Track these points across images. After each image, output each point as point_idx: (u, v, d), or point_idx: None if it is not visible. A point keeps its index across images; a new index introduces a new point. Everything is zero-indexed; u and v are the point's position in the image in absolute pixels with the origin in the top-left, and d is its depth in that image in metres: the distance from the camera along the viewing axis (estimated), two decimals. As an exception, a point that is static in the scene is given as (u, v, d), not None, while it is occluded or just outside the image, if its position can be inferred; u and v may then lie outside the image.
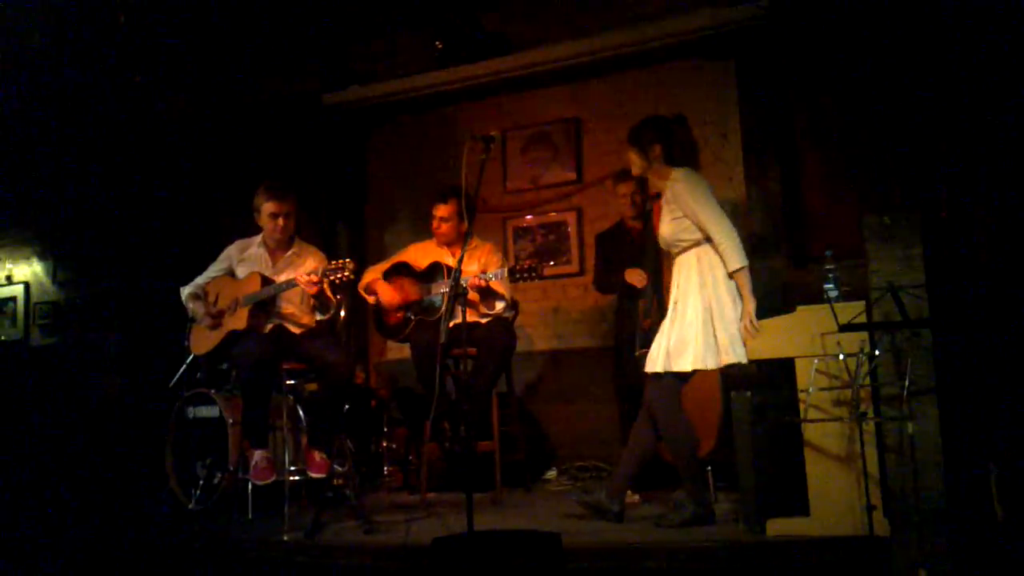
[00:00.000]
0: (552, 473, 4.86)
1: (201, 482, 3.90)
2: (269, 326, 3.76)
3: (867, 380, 2.60)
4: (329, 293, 3.70)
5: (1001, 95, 3.72)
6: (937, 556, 2.43)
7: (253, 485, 3.70)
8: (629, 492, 3.45)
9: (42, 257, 6.44)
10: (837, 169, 4.33)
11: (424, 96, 5.52)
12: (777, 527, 2.83)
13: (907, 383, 2.47)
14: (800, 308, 2.92)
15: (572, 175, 5.33)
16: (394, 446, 4.99)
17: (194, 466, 4.02)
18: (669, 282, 3.85)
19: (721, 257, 3.04)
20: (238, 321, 3.70)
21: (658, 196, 3.90)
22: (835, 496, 2.76)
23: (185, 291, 3.92)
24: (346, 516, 3.55)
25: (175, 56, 5.53)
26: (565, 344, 5.28)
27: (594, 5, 5.09)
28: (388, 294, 4.13)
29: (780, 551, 2.72)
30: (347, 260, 3.39)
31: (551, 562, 2.33)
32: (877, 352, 2.56)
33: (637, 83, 5.20)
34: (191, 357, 4.26)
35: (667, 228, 3.18)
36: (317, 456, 3.54)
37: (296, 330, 3.80)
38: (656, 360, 3.12)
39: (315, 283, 3.49)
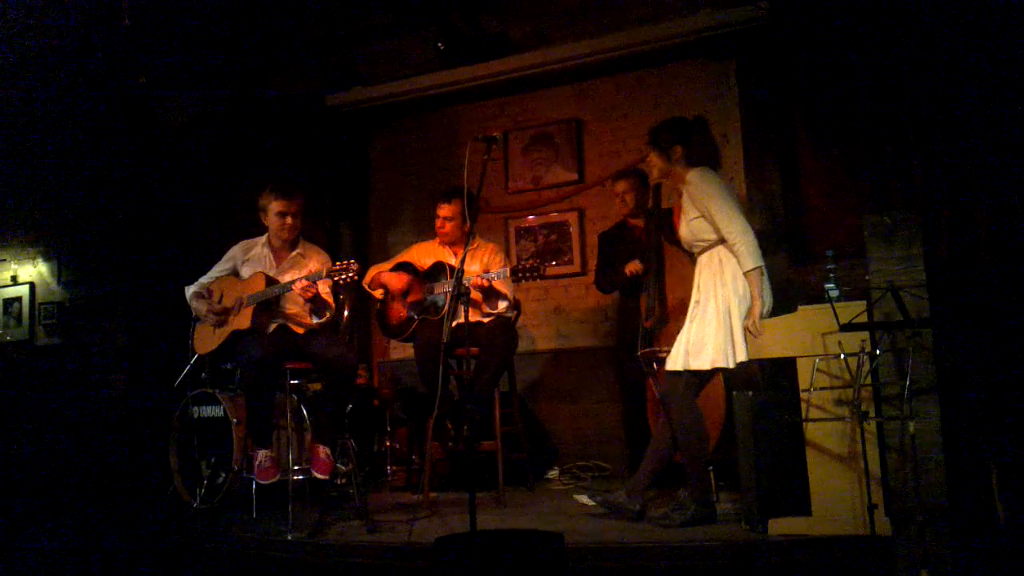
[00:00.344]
0: (554, 472, 4.87)
1: (205, 481, 3.92)
2: (273, 326, 3.77)
3: (868, 380, 2.61)
4: (329, 298, 3.73)
5: (1001, 95, 3.72)
6: (938, 555, 2.43)
7: (257, 484, 3.72)
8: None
9: (47, 258, 6.46)
10: (837, 169, 4.33)
11: (426, 97, 5.54)
12: (779, 526, 2.83)
13: (908, 383, 2.48)
14: (801, 308, 2.93)
15: (574, 175, 5.35)
16: (397, 446, 5.00)
17: (198, 465, 4.03)
18: (670, 281, 3.89)
19: (735, 256, 3.05)
20: (242, 321, 3.72)
21: (658, 197, 3.94)
22: (837, 495, 2.77)
23: (189, 291, 3.94)
24: (349, 515, 3.56)
25: (179, 57, 5.54)
26: (567, 344, 5.29)
27: (595, 6, 5.10)
28: (394, 278, 4.15)
29: (782, 550, 2.73)
30: (351, 261, 3.40)
31: (553, 561, 2.34)
32: (878, 352, 2.57)
33: (638, 84, 5.21)
34: (195, 357, 4.27)
35: (686, 229, 3.19)
36: (322, 454, 3.56)
37: (300, 330, 3.81)
38: (676, 358, 3.13)
39: (307, 288, 3.51)
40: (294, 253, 3.90)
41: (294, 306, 3.83)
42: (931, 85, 3.93)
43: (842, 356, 2.66)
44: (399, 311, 4.18)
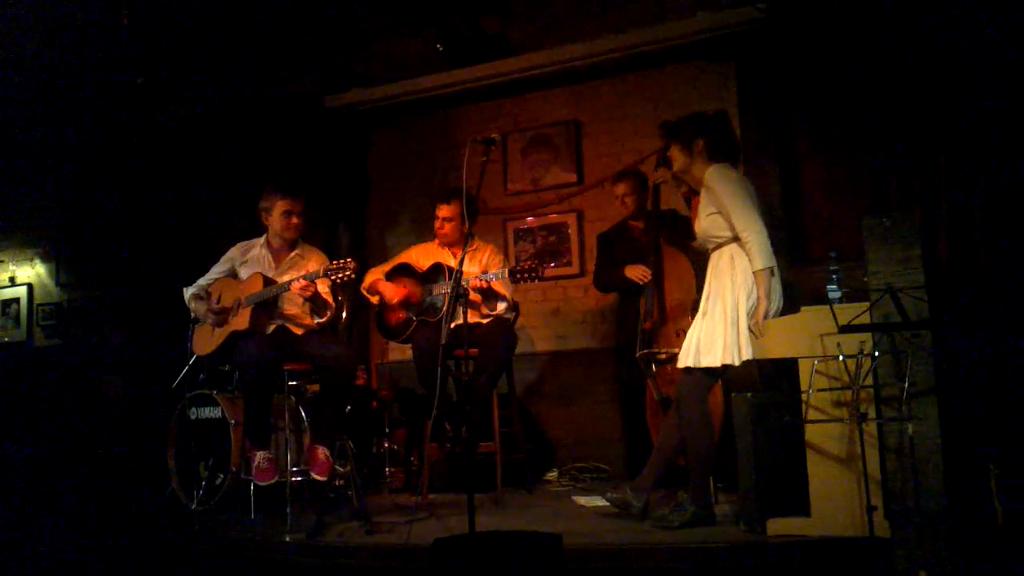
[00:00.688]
0: (553, 474, 4.86)
1: (203, 483, 3.91)
2: (271, 327, 3.77)
3: (867, 381, 2.60)
4: (328, 298, 3.73)
5: (1001, 95, 3.72)
6: (937, 556, 2.43)
7: (255, 486, 3.71)
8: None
9: (45, 259, 6.46)
10: (836, 170, 4.34)
11: (425, 98, 5.54)
12: (778, 527, 2.83)
13: (907, 384, 2.48)
14: (804, 309, 2.93)
15: (572, 177, 5.35)
16: (395, 447, 5.00)
17: (196, 467, 4.03)
18: (669, 283, 3.89)
19: (747, 255, 3.04)
20: (240, 322, 3.71)
21: (657, 199, 3.94)
22: (835, 497, 2.77)
23: (188, 292, 3.94)
24: (348, 517, 3.55)
25: (177, 58, 5.54)
26: (566, 345, 5.29)
27: (594, 8, 5.11)
28: (391, 289, 4.14)
29: (781, 552, 2.73)
30: (348, 260, 3.40)
31: (552, 563, 2.34)
32: (877, 353, 2.57)
33: (637, 85, 5.21)
34: (194, 358, 4.27)
35: (702, 224, 3.19)
36: (320, 456, 3.55)
37: (298, 331, 3.81)
38: (686, 355, 3.13)
39: (306, 287, 3.51)
40: (293, 254, 3.91)
41: (293, 307, 3.83)
42: (931, 85, 3.93)
43: (841, 358, 2.66)
44: (398, 312, 4.18)
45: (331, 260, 3.61)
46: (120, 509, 4.33)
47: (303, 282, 3.52)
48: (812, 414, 2.77)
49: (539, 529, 2.77)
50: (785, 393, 2.98)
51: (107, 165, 6.07)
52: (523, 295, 5.14)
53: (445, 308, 3.34)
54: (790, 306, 3.09)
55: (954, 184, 3.87)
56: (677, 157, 3.26)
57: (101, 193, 6.09)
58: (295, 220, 3.82)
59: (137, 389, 5.57)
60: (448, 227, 4.16)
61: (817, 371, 2.72)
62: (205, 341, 3.89)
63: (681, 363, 3.15)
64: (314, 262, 3.86)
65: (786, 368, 2.95)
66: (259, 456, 3.58)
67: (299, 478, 3.74)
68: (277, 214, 3.81)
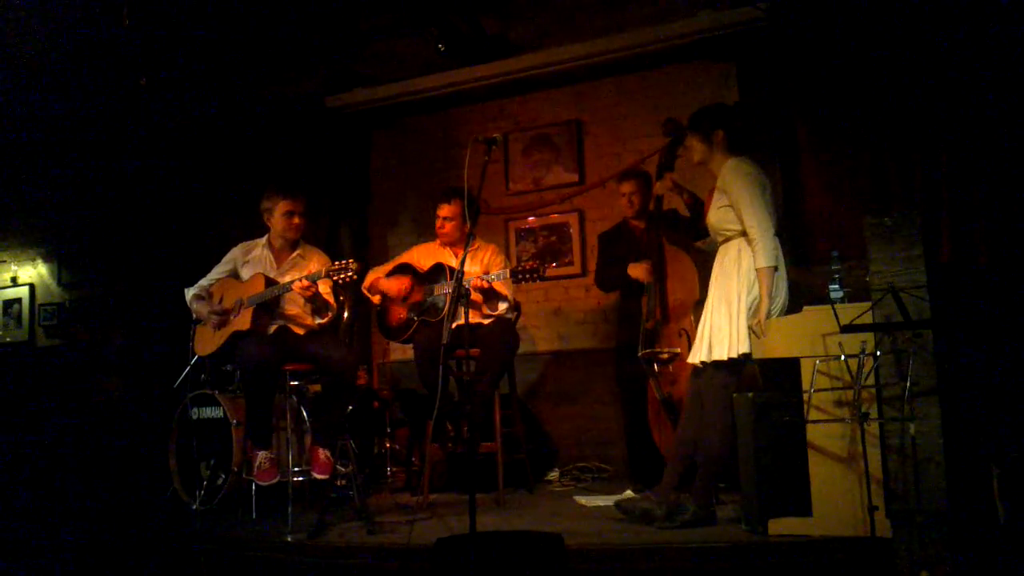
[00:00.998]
0: (554, 474, 4.86)
1: (205, 483, 3.91)
2: (273, 327, 3.77)
3: (869, 381, 2.60)
4: (330, 298, 3.73)
5: (1001, 95, 3.72)
6: (938, 556, 2.43)
7: (257, 486, 3.72)
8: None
9: (47, 259, 6.47)
10: (838, 170, 4.33)
11: (426, 98, 5.54)
12: (779, 527, 2.83)
13: (909, 384, 2.48)
14: (806, 308, 2.92)
15: (574, 177, 5.35)
16: (397, 447, 5.00)
17: (198, 467, 4.03)
18: (671, 282, 3.88)
19: (753, 252, 3.04)
20: (242, 322, 3.72)
21: (659, 198, 3.94)
22: (837, 496, 2.76)
23: (189, 293, 3.94)
24: (349, 517, 3.56)
25: (178, 58, 5.54)
26: (567, 345, 5.29)
27: (595, 8, 5.11)
28: (393, 286, 4.15)
29: (782, 551, 2.73)
30: (350, 260, 3.40)
31: (553, 563, 2.34)
32: (879, 353, 2.56)
33: (638, 85, 5.21)
34: (195, 358, 4.28)
35: (714, 215, 3.18)
36: (322, 456, 3.56)
37: (300, 331, 3.81)
38: (698, 350, 3.12)
39: (308, 288, 3.52)
40: (294, 254, 3.91)
41: (294, 307, 3.83)
42: (932, 84, 3.93)
43: (843, 357, 2.66)
44: (399, 313, 4.18)
45: (333, 260, 3.62)
46: (121, 509, 4.34)
47: (305, 283, 3.52)
48: (814, 414, 2.77)
49: (540, 529, 2.77)
50: (787, 393, 2.98)
51: (109, 165, 6.07)
52: (525, 295, 5.14)
53: (446, 308, 3.34)
54: (792, 306, 3.09)
55: (956, 183, 3.86)
56: (696, 148, 3.24)
57: (103, 194, 6.09)
58: (296, 220, 3.83)
59: (138, 389, 5.57)
60: (449, 226, 4.16)
61: (819, 371, 2.72)
62: (207, 341, 3.90)
63: (693, 358, 3.15)
64: (316, 262, 3.87)
65: (788, 368, 2.95)
66: (260, 456, 3.58)
67: (300, 478, 3.74)
68: (279, 214, 3.82)
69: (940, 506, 2.46)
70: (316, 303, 3.70)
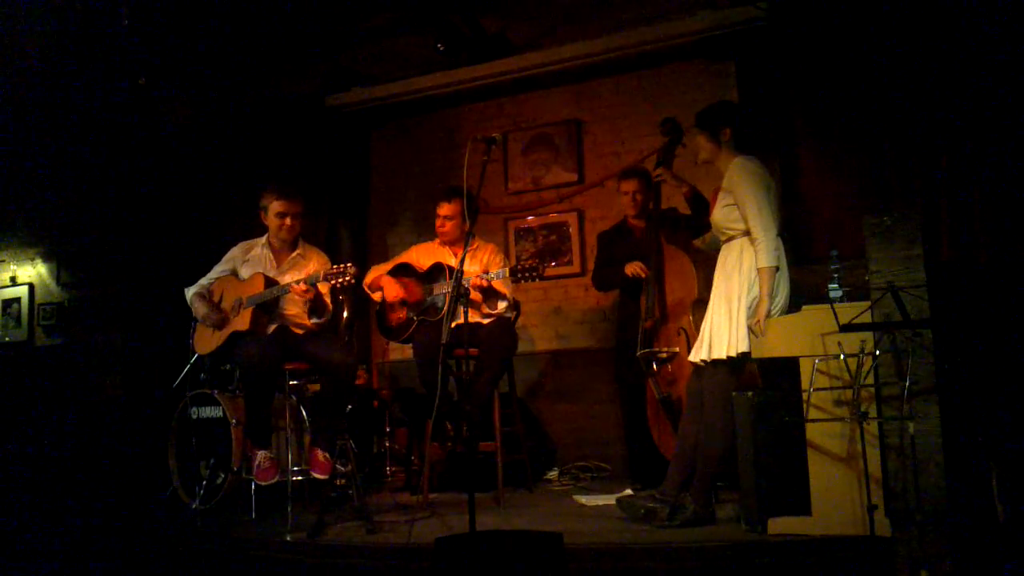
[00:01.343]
0: (554, 473, 4.86)
1: (204, 482, 3.91)
2: (272, 327, 3.78)
3: (868, 380, 2.60)
4: (327, 300, 3.73)
5: (1001, 93, 3.72)
6: (938, 556, 2.43)
7: (256, 485, 3.72)
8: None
9: (46, 259, 6.45)
10: (837, 170, 4.33)
11: (426, 97, 5.54)
12: (778, 527, 2.83)
13: (908, 383, 2.48)
14: (805, 308, 2.93)
15: (573, 176, 5.35)
16: (396, 446, 5.00)
17: (197, 466, 4.03)
18: (670, 281, 3.88)
19: (754, 251, 3.04)
20: (241, 322, 3.72)
21: (658, 198, 3.94)
22: (836, 496, 2.77)
23: (189, 292, 3.94)
24: (349, 516, 3.56)
25: (178, 58, 5.54)
26: (566, 344, 5.29)
27: (595, 7, 5.10)
28: (393, 289, 4.15)
29: (781, 551, 2.73)
30: (348, 264, 3.41)
31: (553, 562, 2.34)
32: (878, 352, 2.56)
33: (638, 85, 5.22)
34: (195, 357, 4.27)
35: (718, 214, 3.19)
36: (320, 456, 3.56)
37: (299, 331, 3.82)
38: (699, 349, 3.12)
39: (307, 291, 3.52)
40: (294, 254, 3.91)
41: (293, 307, 3.83)
42: (932, 84, 3.92)
43: (842, 357, 2.66)
44: (398, 312, 4.18)
45: (332, 260, 3.62)
46: (121, 508, 4.33)
47: (304, 286, 3.53)
48: (813, 413, 2.77)
49: (540, 528, 2.77)
50: (786, 392, 2.98)
51: (109, 164, 6.06)
52: (524, 294, 5.14)
53: (446, 307, 3.34)
54: (792, 305, 3.09)
55: (955, 182, 3.86)
56: (704, 146, 3.23)
57: (102, 193, 6.08)
58: (288, 222, 3.82)
59: (138, 388, 5.56)
60: (449, 225, 4.16)
61: (818, 370, 2.72)
62: (206, 340, 3.90)
63: (694, 357, 3.15)
64: (315, 262, 3.87)
65: (787, 367, 2.95)
66: (260, 455, 3.58)
67: (300, 477, 3.74)
68: (272, 215, 3.82)
69: (939, 505, 2.46)
70: (314, 305, 3.71)
